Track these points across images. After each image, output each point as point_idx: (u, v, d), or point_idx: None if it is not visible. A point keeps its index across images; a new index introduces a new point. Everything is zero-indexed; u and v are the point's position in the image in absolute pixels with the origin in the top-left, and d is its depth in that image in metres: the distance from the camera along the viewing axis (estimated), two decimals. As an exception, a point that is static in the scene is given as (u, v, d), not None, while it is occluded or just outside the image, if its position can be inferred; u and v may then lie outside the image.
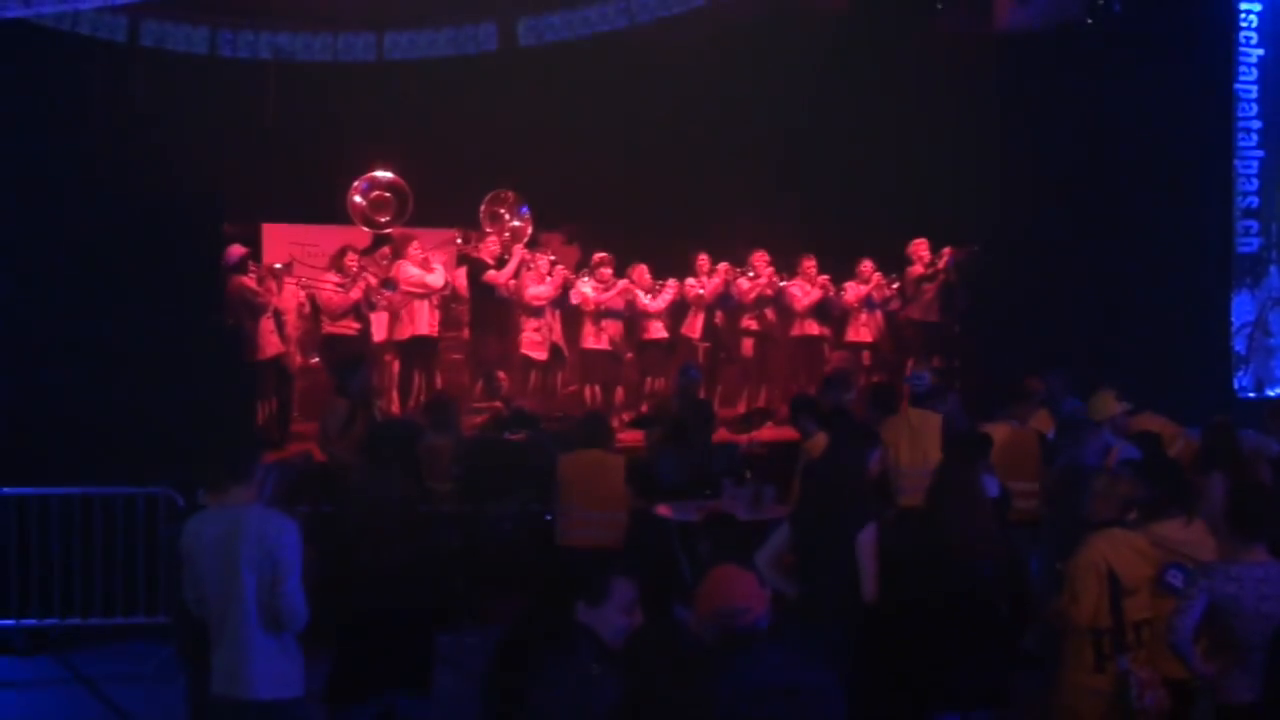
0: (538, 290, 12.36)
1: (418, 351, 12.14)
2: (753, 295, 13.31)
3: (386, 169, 12.61)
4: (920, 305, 13.53)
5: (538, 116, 14.96)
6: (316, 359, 12.11)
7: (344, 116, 13.65)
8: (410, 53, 10.17)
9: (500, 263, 12.41)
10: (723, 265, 13.38)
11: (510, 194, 12.87)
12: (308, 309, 12.03)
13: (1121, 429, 7.88)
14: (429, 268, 12.09)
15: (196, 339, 9.18)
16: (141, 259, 9.04)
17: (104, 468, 8.14)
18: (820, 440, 7.44)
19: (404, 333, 12.07)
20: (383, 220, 12.50)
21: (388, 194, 12.49)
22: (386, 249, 12.34)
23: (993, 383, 10.80)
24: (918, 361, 13.53)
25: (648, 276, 12.95)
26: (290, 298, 11.78)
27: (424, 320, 12.03)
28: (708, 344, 13.43)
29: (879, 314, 13.81)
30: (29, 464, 8.18)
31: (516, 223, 12.79)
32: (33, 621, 8.08)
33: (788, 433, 11.20)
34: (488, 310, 12.47)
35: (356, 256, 11.94)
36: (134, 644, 7.93)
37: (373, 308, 11.86)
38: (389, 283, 11.83)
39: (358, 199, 12.46)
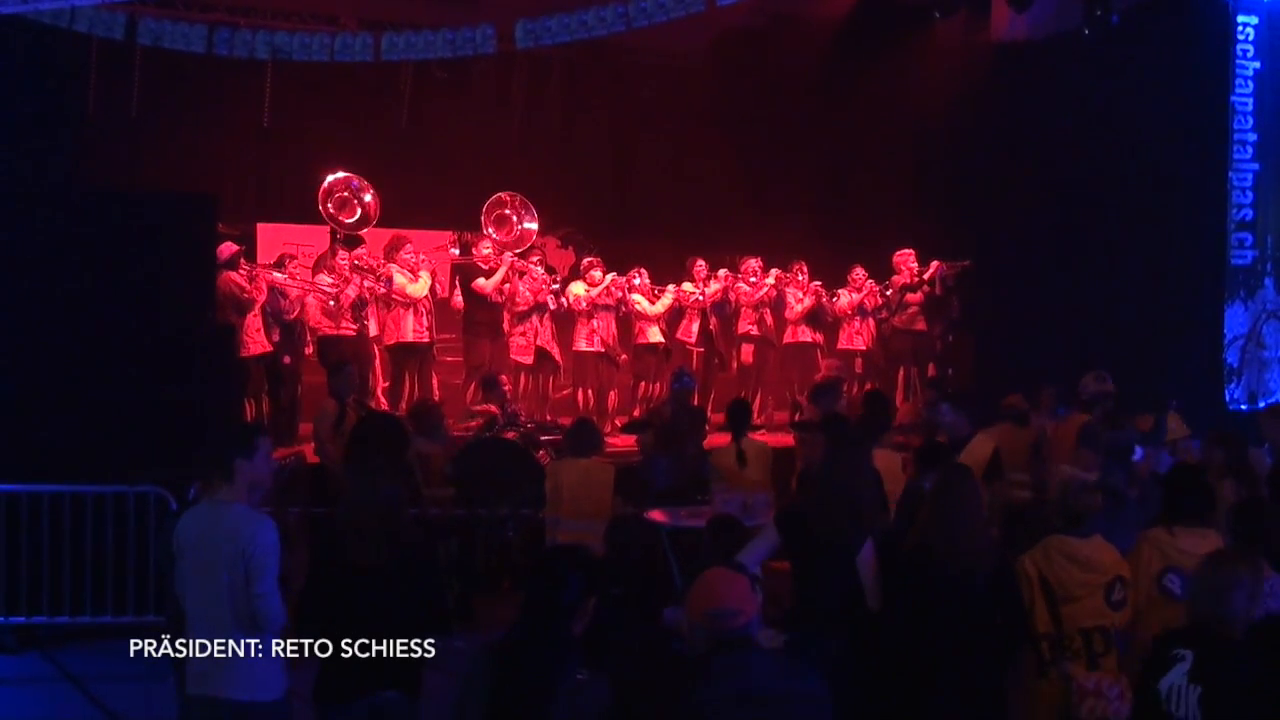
0: (524, 295, 12.40)
1: (407, 357, 12.11)
2: (757, 298, 13.31)
3: (338, 169, 12.45)
4: (904, 315, 13.56)
5: (534, 120, 15.01)
6: None
7: (340, 117, 13.65)
8: (407, 54, 10.13)
9: (490, 270, 12.40)
10: (724, 271, 13.38)
11: (519, 198, 12.81)
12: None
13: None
14: (414, 276, 12.02)
15: (189, 338, 9.15)
16: (135, 257, 9.00)
17: (94, 466, 8.11)
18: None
19: (389, 338, 12.09)
20: (348, 221, 12.38)
21: (344, 194, 12.37)
22: (363, 250, 12.23)
23: (984, 392, 10.81)
24: (907, 368, 13.58)
25: (648, 280, 12.95)
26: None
27: (408, 327, 11.97)
28: (702, 349, 13.44)
29: (871, 321, 13.83)
30: (18, 461, 8.14)
31: (526, 226, 12.74)
32: (21, 619, 8.03)
33: (779, 439, 11.19)
34: (480, 314, 12.47)
35: (348, 255, 11.90)
36: (123, 642, 7.89)
37: (363, 305, 11.84)
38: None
39: (329, 206, 12.34)
